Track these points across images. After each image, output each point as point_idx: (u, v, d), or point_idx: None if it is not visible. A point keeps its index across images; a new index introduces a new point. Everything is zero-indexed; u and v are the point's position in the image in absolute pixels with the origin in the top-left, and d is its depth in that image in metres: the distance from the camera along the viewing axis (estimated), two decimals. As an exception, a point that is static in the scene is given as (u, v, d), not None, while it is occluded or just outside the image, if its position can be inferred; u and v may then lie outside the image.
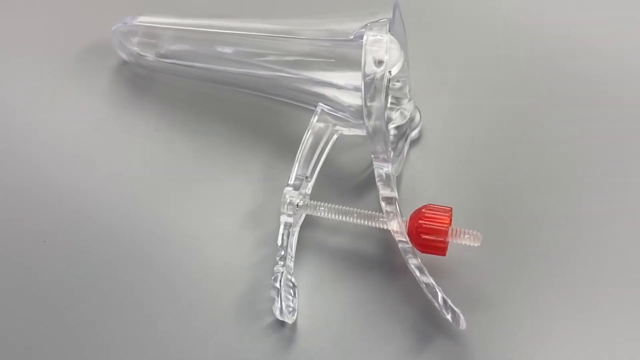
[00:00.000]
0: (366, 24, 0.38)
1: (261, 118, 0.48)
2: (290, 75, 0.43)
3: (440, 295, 0.36)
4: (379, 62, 0.37)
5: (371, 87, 0.37)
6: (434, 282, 0.36)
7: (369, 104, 0.37)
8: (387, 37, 0.37)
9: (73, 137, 0.48)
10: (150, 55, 0.49)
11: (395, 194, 0.38)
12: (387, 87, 0.37)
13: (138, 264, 0.41)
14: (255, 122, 0.48)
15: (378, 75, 0.37)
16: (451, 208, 0.38)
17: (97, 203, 0.44)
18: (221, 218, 0.43)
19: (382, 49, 0.37)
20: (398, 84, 0.45)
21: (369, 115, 0.37)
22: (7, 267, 0.41)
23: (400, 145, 0.44)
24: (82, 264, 0.41)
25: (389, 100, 0.45)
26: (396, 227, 0.37)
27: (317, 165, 0.42)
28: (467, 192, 0.43)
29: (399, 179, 0.44)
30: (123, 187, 0.45)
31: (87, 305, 0.39)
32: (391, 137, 0.45)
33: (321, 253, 0.41)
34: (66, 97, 0.50)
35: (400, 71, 0.44)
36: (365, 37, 0.37)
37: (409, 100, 0.45)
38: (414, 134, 0.45)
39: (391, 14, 0.38)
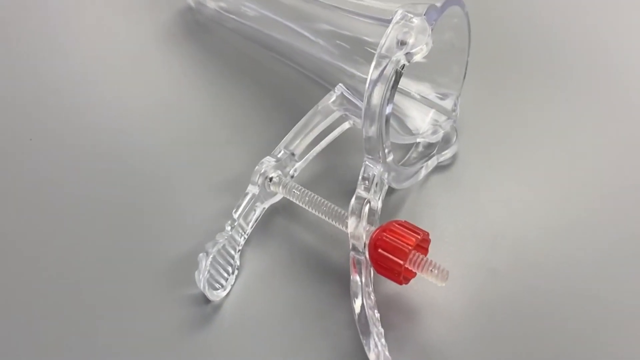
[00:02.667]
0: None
1: (293, 94, 0.44)
2: (321, 47, 0.39)
3: (374, 332, 0.29)
4: (401, 43, 0.31)
5: (382, 65, 0.31)
6: (372, 313, 0.30)
7: (372, 84, 0.31)
8: (420, 21, 0.32)
9: (113, 58, 0.48)
10: (211, 4, 0.47)
11: (370, 197, 0.32)
12: (400, 74, 0.31)
13: (105, 186, 0.39)
14: (286, 96, 0.44)
15: (394, 58, 0.31)
16: (428, 234, 0.31)
17: (100, 120, 0.43)
18: (203, 177, 0.39)
19: (411, 30, 0.31)
20: (443, 97, 0.39)
21: (369, 98, 0.31)
22: None
23: (420, 163, 0.38)
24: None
25: (431, 117, 0.39)
26: (352, 227, 0.31)
27: (313, 147, 0.37)
28: (479, 252, 0.35)
29: (403, 198, 0.38)
30: (128, 114, 0.44)
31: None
32: (415, 153, 0.39)
33: (285, 244, 0.36)
34: (125, 25, 0.50)
35: (451, 82, 0.39)
36: (396, 14, 0.32)
37: (448, 119, 0.39)
38: (443, 158, 0.39)
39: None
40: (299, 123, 0.36)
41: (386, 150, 0.33)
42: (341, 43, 0.38)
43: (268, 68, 0.46)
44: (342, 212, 0.33)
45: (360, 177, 0.33)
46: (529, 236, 0.35)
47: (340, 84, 0.37)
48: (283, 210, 0.37)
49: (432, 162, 0.38)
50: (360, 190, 0.33)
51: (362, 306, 0.30)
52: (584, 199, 0.37)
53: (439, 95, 0.39)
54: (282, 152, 0.36)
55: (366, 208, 0.32)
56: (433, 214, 0.37)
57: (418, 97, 0.40)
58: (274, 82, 0.45)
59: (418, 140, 0.39)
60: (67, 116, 0.44)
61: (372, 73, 0.31)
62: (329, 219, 0.34)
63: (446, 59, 0.39)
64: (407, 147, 0.39)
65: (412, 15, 0.32)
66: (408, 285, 0.33)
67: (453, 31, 0.37)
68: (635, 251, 0.35)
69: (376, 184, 0.33)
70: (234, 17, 0.46)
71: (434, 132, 0.39)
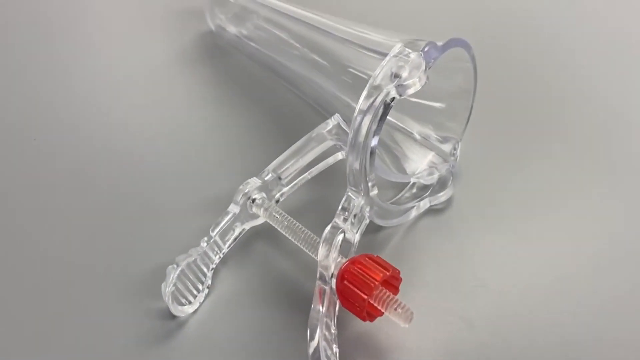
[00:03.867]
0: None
1: (296, 121, 0.44)
2: (324, 76, 0.39)
3: None
4: (395, 76, 0.31)
5: (372, 96, 0.31)
6: (327, 345, 0.28)
7: (361, 114, 0.31)
8: (416, 56, 0.31)
9: (129, 70, 0.49)
10: (231, 29, 0.48)
11: (346, 229, 0.32)
12: (389, 107, 0.31)
13: (96, 192, 0.40)
14: (289, 122, 0.44)
15: (385, 89, 0.31)
16: (398, 272, 0.30)
17: (103, 128, 0.44)
18: (193, 193, 0.39)
19: (405, 64, 0.31)
20: (444, 140, 0.38)
21: (356, 128, 0.31)
22: None
23: (411, 204, 0.37)
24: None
25: (429, 159, 0.39)
26: (321, 256, 0.30)
27: (302, 174, 0.36)
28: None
29: (389, 236, 0.37)
30: (132, 125, 0.45)
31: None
32: (408, 193, 0.38)
33: (261, 270, 0.36)
34: (148, 41, 0.52)
35: (454, 126, 0.38)
36: (395, 47, 0.32)
37: (445, 163, 0.38)
38: (437, 201, 0.38)
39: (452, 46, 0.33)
40: (290, 148, 0.36)
41: (370, 184, 0.32)
42: (343, 75, 0.38)
43: (277, 94, 0.46)
44: (317, 240, 0.32)
45: (340, 207, 0.32)
46: (512, 291, 0.34)
47: (337, 114, 0.37)
48: (265, 234, 0.37)
49: (424, 204, 0.37)
50: (337, 220, 0.32)
51: (318, 337, 0.29)
52: (574, 261, 0.35)
53: (439, 138, 0.38)
54: (269, 175, 0.36)
55: (339, 238, 0.31)
56: (417, 256, 0.36)
57: (419, 137, 0.39)
58: (280, 108, 0.45)
59: (413, 180, 0.38)
60: (72, 120, 0.45)
61: (361, 103, 0.31)
62: (303, 246, 0.33)
63: (451, 102, 0.38)
64: (402, 186, 0.38)
65: (409, 50, 0.32)
66: (377, 326, 0.32)
67: (461, 75, 0.36)
68: (619, 312, 0.33)
69: (354, 216, 0.32)
70: (251, 43, 0.46)
71: (430, 174, 0.38)
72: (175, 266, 0.32)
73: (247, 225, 0.35)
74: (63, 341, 0.32)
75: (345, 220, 0.32)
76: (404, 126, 0.40)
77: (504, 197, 0.39)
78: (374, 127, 0.31)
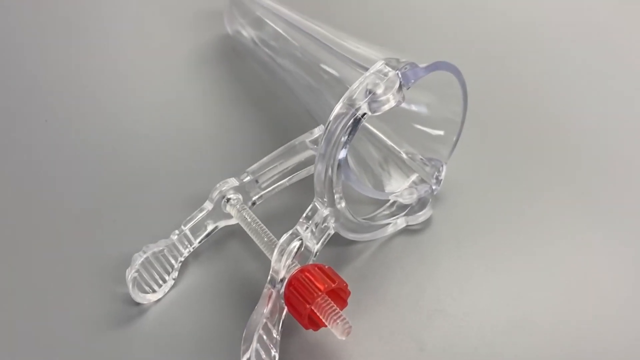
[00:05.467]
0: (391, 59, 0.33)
1: (293, 129, 0.44)
2: (319, 87, 0.40)
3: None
4: (369, 92, 0.31)
5: (343, 110, 0.31)
6: (260, 347, 0.29)
7: (330, 127, 0.31)
8: (393, 75, 0.32)
9: (142, 64, 0.51)
10: (247, 33, 0.49)
11: (305, 237, 0.32)
12: (359, 122, 0.31)
13: (85, 179, 0.42)
14: (287, 130, 0.44)
15: (357, 105, 0.31)
16: (346, 285, 0.30)
17: (107, 116, 0.46)
18: (179, 187, 0.41)
19: (381, 82, 0.31)
20: (429, 162, 0.38)
21: (325, 140, 0.32)
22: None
23: (386, 221, 0.37)
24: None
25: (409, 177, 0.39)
26: (274, 260, 0.31)
27: (280, 180, 0.37)
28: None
29: (360, 251, 0.37)
30: (136, 117, 0.47)
31: None
32: (387, 210, 0.38)
33: (231, 268, 0.36)
34: (166, 39, 0.54)
35: (441, 149, 0.38)
36: (376, 64, 0.32)
37: (425, 184, 0.38)
38: (414, 222, 0.38)
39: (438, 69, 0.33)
40: (271, 153, 0.37)
41: (337, 196, 0.33)
42: (336, 87, 0.38)
43: (280, 101, 0.47)
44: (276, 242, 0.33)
45: (304, 214, 0.33)
46: (469, 320, 0.34)
47: (322, 124, 0.37)
48: (241, 235, 0.37)
49: (400, 222, 0.37)
50: (299, 227, 0.32)
51: (255, 339, 0.29)
52: (542, 299, 0.35)
53: (425, 160, 0.38)
54: (248, 177, 0.36)
55: (294, 245, 0.31)
56: (384, 273, 0.36)
57: (406, 157, 0.39)
58: (282, 115, 0.46)
59: (392, 199, 0.38)
60: (80, 109, 0.47)
61: (333, 115, 0.32)
62: (264, 249, 0.34)
63: (442, 126, 0.38)
64: (383, 202, 0.39)
65: (389, 69, 0.32)
66: (327, 338, 0.32)
67: (454, 100, 0.36)
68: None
69: (316, 225, 0.33)
70: (264, 49, 0.47)
71: (410, 194, 0.38)
72: (141, 253, 0.34)
73: (221, 224, 0.36)
74: (23, 321, 0.34)
75: (306, 228, 0.32)
76: (392, 144, 0.40)
77: (483, 225, 0.38)
78: (343, 139, 0.31)
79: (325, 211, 0.33)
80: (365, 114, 0.31)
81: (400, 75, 0.32)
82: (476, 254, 0.37)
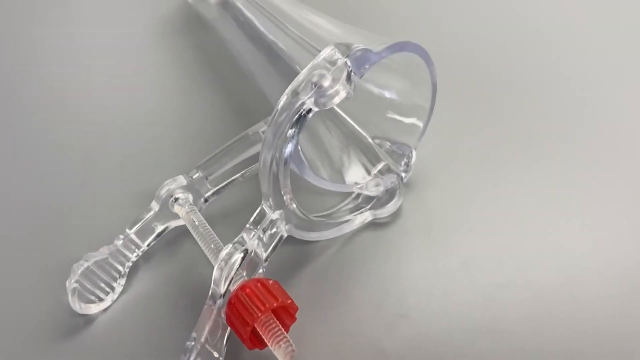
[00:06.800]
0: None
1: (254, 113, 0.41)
2: (275, 70, 0.37)
3: None
4: (314, 85, 0.28)
5: (287, 104, 0.28)
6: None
7: (274, 122, 0.28)
8: (341, 64, 0.28)
9: (98, 47, 0.48)
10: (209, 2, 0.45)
11: (251, 245, 0.29)
12: (304, 118, 0.28)
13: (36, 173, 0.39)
14: (249, 114, 0.41)
15: (302, 99, 0.28)
16: (292, 302, 0.28)
17: (63, 104, 0.43)
18: (131, 182, 0.38)
19: (328, 73, 0.28)
20: (396, 148, 0.35)
21: (268, 137, 0.29)
22: None
23: (348, 217, 0.34)
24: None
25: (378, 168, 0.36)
26: (216, 273, 0.28)
27: (232, 174, 0.34)
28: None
29: (320, 250, 0.34)
30: (90, 103, 0.43)
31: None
32: (351, 204, 0.35)
33: (183, 272, 0.34)
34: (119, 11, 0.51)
35: (408, 133, 0.35)
36: (324, 51, 0.29)
37: (393, 174, 0.35)
38: (382, 212, 0.35)
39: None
40: (223, 146, 0.34)
41: (285, 197, 0.30)
42: (286, 71, 0.35)
43: (243, 82, 0.43)
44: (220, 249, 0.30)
45: (251, 219, 0.30)
46: (435, 326, 0.31)
47: (276, 113, 0.34)
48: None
49: (364, 217, 0.35)
50: (244, 235, 0.30)
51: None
52: (519, 302, 0.32)
53: (393, 146, 0.35)
54: (197, 173, 0.34)
55: (237, 257, 0.29)
56: (347, 273, 0.33)
57: (372, 143, 0.36)
58: (244, 98, 0.43)
59: (356, 191, 0.35)
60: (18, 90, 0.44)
61: (276, 110, 0.29)
62: (210, 258, 0.31)
63: (412, 109, 0.35)
64: (346, 194, 0.36)
65: (338, 56, 0.29)
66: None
67: (422, 82, 0.33)
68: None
69: (264, 230, 0.30)
70: (223, 20, 0.44)
71: (376, 185, 0.35)
72: (83, 262, 0.31)
73: (172, 224, 0.34)
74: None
75: (253, 235, 0.30)
76: (357, 127, 0.37)
77: (456, 216, 0.35)
78: (287, 134, 0.28)
79: (273, 215, 0.30)
80: (310, 110, 0.28)
81: (349, 64, 0.28)
82: (446, 248, 0.34)
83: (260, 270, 0.31)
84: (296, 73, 0.29)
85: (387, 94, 0.35)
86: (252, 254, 0.30)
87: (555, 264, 0.33)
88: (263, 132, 0.34)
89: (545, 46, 0.46)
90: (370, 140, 0.36)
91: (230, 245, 0.29)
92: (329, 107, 0.29)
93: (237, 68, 0.44)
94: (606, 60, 0.44)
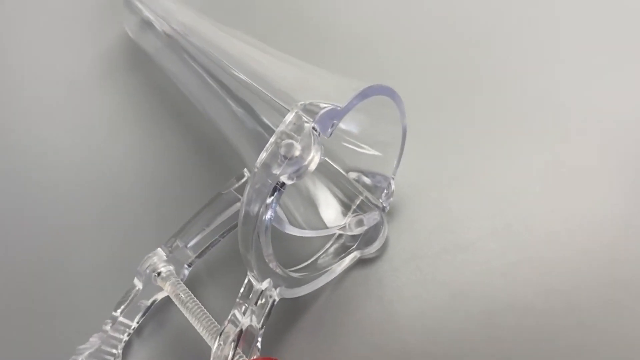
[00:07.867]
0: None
1: (219, 157, 0.40)
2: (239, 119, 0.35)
3: None
4: (284, 158, 0.27)
5: (259, 178, 0.27)
6: None
7: (249, 197, 0.27)
8: (308, 132, 0.27)
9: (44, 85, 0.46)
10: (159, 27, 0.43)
11: (245, 322, 0.29)
12: (280, 191, 0.27)
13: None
14: (214, 157, 0.40)
15: (273, 173, 0.27)
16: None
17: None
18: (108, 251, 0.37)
19: (298, 143, 0.27)
20: (377, 182, 0.34)
21: (244, 209, 0.28)
22: None
23: (334, 261, 0.34)
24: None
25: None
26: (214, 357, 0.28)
27: (211, 238, 0.33)
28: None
29: (315, 296, 0.34)
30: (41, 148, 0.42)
31: None
32: (334, 247, 0.35)
33: (176, 341, 0.34)
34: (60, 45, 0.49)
35: (381, 168, 0.34)
36: (288, 115, 0.28)
37: (376, 209, 0.34)
38: (370, 250, 0.35)
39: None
40: (197, 212, 0.33)
41: (271, 265, 0.29)
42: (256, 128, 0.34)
43: (200, 119, 0.42)
44: (218, 330, 0.30)
45: (240, 294, 0.30)
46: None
47: (245, 168, 0.33)
48: (182, 299, 0.34)
49: (352, 256, 0.34)
50: (236, 312, 0.29)
51: None
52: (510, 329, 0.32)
53: (373, 180, 0.35)
54: (176, 243, 0.33)
55: (233, 336, 0.28)
56: (341, 320, 0.33)
57: (351, 178, 0.35)
58: (210, 139, 0.41)
59: (337, 232, 0.34)
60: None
61: (249, 185, 0.27)
62: (203, 335, 0.31)
63: (384, 143, 0.34)
64: (327, 237, 0.35)
65: (305, 119, 0.28)
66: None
67: (391, 117, 0.32)
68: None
69: (255, 303, 0.30)
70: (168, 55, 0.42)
71: (358, 225, 0.34)
72: (75, 357, 0.31)
73: (158, 297, 0.33)
74: None
75: (245, 309, 0.29)
76: (331, 162, 0.36)
77: (443, 237, 0.35)
78: (262, 209, 0.27)
79: (261, 286, 0.30)
80: (284, 183, 0.27)
81: (317, 128, 0.27)
82: (439, 278, 0.34)
83: (259, 340, 0.30)
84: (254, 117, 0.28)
85: (355, 130, 0.34)
86: (248, 328, 0.29)
87: (550, 284, 0.33)
88: (236, 189, 0.33)
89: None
90: (344, 173, 0.35)
91: (224, 330, 0.29)
92: (304, 177, 0.28)
93: (192, 106, 0.42)
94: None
